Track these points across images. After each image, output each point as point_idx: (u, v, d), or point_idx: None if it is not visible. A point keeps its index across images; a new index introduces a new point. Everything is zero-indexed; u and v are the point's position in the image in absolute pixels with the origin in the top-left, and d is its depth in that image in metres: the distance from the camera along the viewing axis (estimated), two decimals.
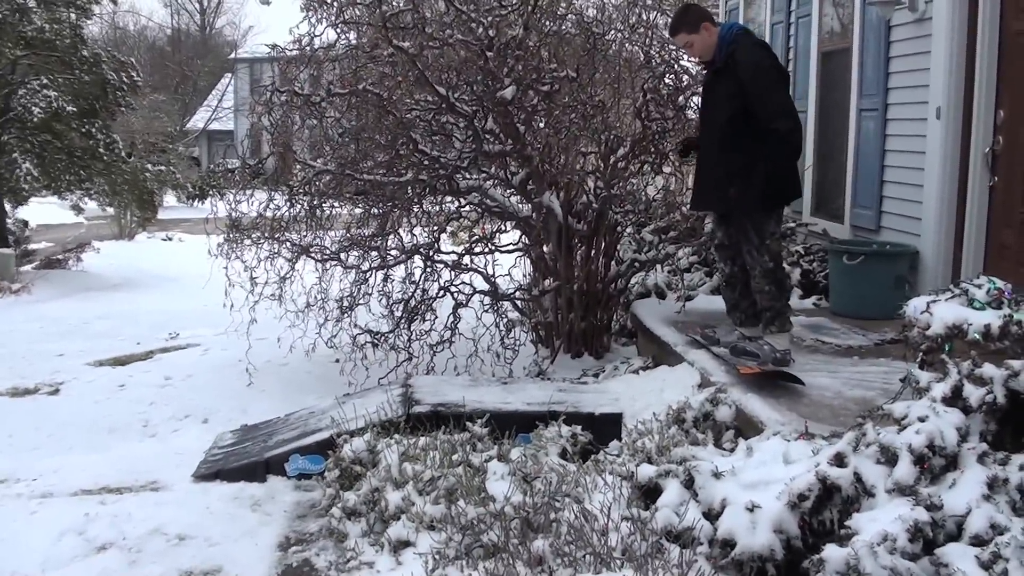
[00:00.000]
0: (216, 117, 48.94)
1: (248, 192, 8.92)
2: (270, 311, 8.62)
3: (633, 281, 8.98)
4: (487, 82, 7.89)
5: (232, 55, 51.84)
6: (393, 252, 8.72)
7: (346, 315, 8.64)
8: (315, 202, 8.62)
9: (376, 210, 8.73)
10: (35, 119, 16.87)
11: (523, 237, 8.93)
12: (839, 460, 3.78)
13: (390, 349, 8.50)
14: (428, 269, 8.71)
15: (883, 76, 8.60)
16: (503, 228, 9.24)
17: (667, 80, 8.42)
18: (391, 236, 8.78)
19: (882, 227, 8.63)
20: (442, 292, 8.71)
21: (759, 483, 3.90)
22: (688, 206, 7.65)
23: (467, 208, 9.12)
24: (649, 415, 5.66)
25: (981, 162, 7.22)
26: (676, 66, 8.59)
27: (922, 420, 3.78)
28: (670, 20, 6.82)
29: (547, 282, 8.44)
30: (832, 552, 3.27)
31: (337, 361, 8.45)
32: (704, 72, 6.87)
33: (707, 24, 6.33)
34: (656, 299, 8.92)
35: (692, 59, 6.65)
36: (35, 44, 17.30)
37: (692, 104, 8.39)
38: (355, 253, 8.73)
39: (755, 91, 6.09)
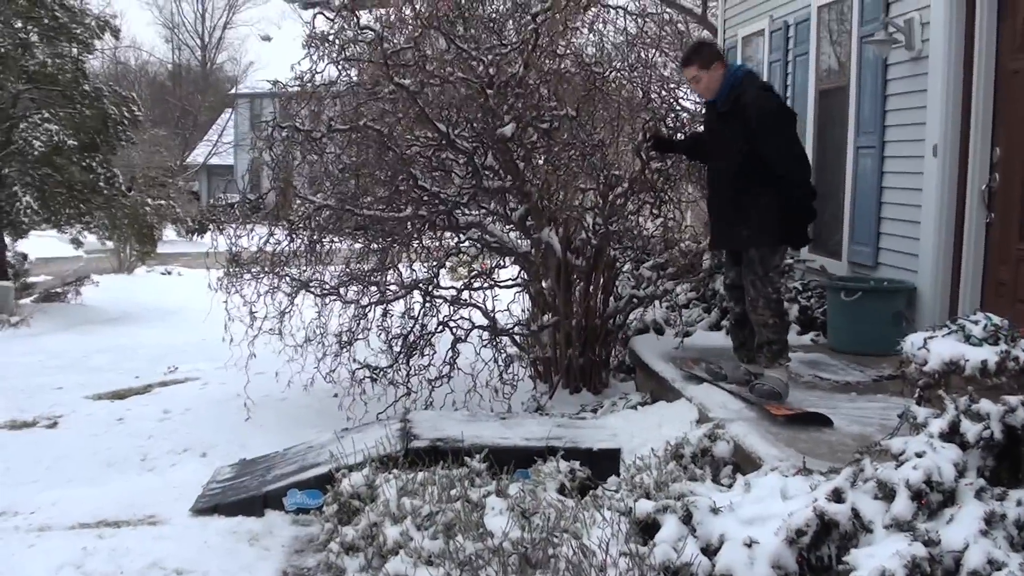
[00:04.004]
0: (216, 152, 49.03)
1: (248, 227, 8.94)
2: (269, 345, 8.62)
3: (631, 317, 8.99)
4: (487, 119, 7.94)
5: (233, 90, 52.01)
6: (392, 287, 8.73)
7: (345, 350, 8.63)
8: (315, 237, 8.64)
9: (376, 245, 8.75)
10: (36, 152, 16.90)
11: (522, 272, 8.95)
12: (837, 496, 3.79)
13: (389, 384, 8.48)
14: (427, 304, 8.71)
15: (880, 114, 8.66)
16: (502, 263, 9.27)
17: (668, 121, 8.45)
18: (390, 271, 8.79)
19: (880, 264, 8.66)
20: (441, 327, 8.70)
21: (757, 519, 3.91)
22: (699, 243, 7.62)
23: (466, 243, 9.14)
24: (647, 450, 5.65)
25: (978, 199, 7.26)
26: (676, 104, 8.64)
27: (919, 456, 3.79)
28: (682, 53, 6.84)
29: (546, 317, 8.45)
30: None
31: (336, 396, 8.44)
32: (704, 109, 6.92)
33: (719, 64, 6.37)
34: (654, 335, 8.93)
35: (695, 95, 6.67)
36: (37, 78, 17.39)
37: None
38: (354, 288, 8.74)
39: (764, 137, 6.16)
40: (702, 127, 7.30)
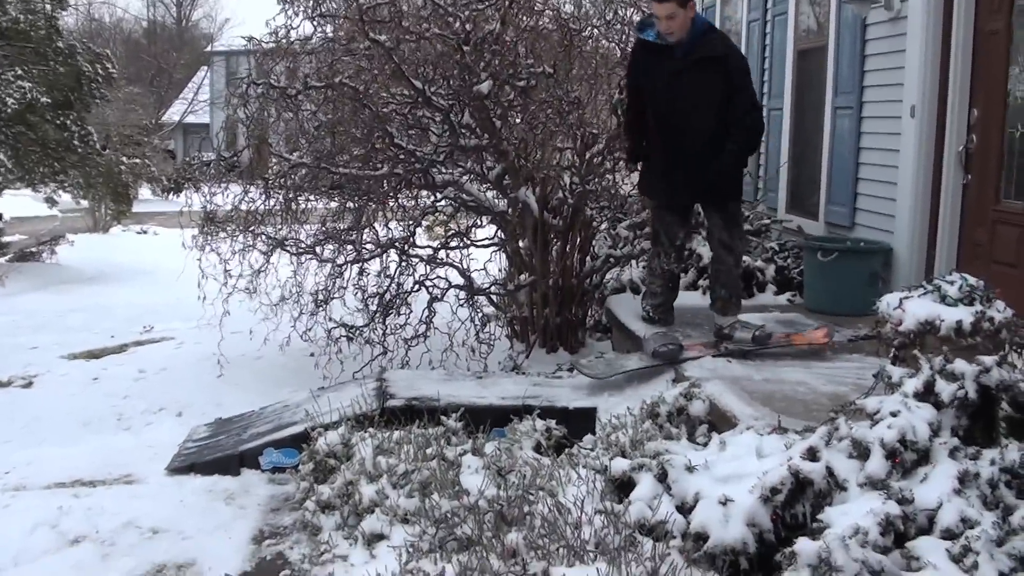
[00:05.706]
0: (192, 110, 48.72)
1: (223, 185, 8.88)
2: (243, 304, 8.59)
3: (608, 276, 8.98)
4: (464, 76, 7.89)
5: (208, 48, 51.57)
6: (368, 246, 8.70)
7: (321, 309, 8.62)
8: (290, 195, 8.59)
9: (351, 204, 8.71)
10: (9, 110, 16.71)
11: (499, 232, 8.93)
12: (811, 454, 3.80)
13: (365, 343, 8.48)
14: (403, 263, 8.69)
15: (858, 74, 8.63)
16: (479, 223, 9.23)
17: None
18: (366, 230, 8.76)
19: (856, 224, 8.67)
20: (417, 286, 8.69)
21: (732, 477, 3.91)
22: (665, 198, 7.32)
23: (443, 202, 9.11)
24: (623, 409, 5.66)
25: (955, 160, 7.26)
26: None
27: (894, 415, 3.80)
28: None
29: (522, 277, 8.45)
30: (804, 545, 3.28)
31: (312, 355, 8.43)
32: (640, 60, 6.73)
33: (693, 4, 6.29)
34: (631, 295, 8.92)
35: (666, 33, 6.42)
36: (9, 35, 17.17)
37: None
38: (330, 247, 8.71)
39: (741, 83, 6.18)
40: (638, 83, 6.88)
